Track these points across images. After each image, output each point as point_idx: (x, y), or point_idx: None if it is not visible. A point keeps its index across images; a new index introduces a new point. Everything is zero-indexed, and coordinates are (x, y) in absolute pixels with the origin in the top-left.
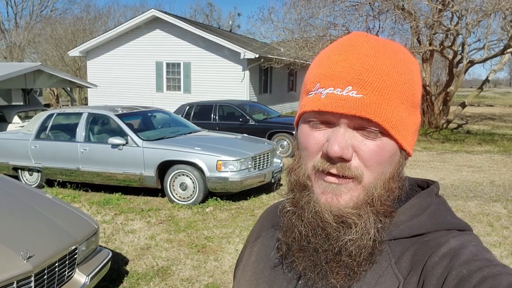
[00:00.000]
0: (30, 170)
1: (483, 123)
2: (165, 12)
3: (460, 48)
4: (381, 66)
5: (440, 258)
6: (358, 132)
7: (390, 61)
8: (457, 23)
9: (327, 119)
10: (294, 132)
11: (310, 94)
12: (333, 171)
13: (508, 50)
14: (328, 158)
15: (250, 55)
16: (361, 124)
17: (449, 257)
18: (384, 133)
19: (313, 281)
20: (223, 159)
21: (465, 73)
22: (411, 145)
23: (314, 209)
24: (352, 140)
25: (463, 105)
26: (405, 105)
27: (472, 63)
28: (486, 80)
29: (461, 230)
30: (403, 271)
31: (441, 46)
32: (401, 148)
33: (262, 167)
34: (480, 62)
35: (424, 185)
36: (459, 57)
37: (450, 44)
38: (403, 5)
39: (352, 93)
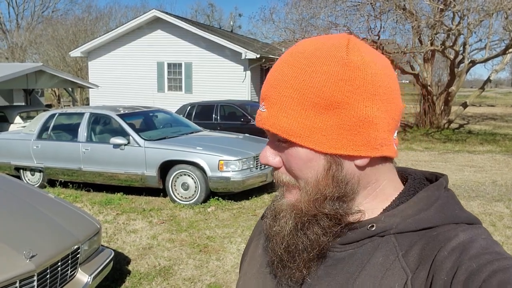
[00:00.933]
0: (32, 170)
1: (484, 123)
2: (166, 13)
3: (461, 48)
4: (281, 78)
5: (449, 253)
6: (280, 144)
7: (290, 69)
8: (459, 23)
9: None
10: None
11: None
12: (274, 177)
13: (510, 50)
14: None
15: (252, 55)
16: (274, 136)
17: (459, 251)
18: (291, 141)
19: (276, 272)
20: (225, 159)
21: (466, 73)
22: (349, 146)
23: (273, 203)
24: (278, 150)
25: (464, 105)
26: (311, 110)
27: (473, 63)
28: (488, 80)
29: (470, 223)
30: (411, 265)
31: (443, 46)
32: (322, 153)
33: (264, 166)
34: (482, 62)
35: (432, 178)
36: (460, 57)
37: (451, 44)
38: (404, 5)
39: (262, 108)
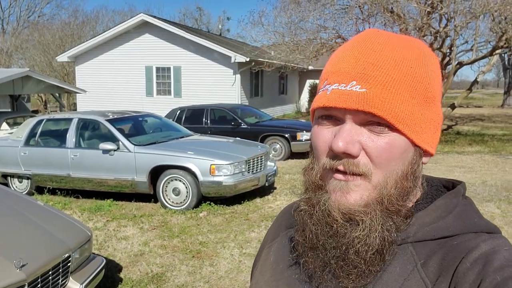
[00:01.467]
0: (20, 177)
1: (472, 124)
2: (154, 16)
3: (448, 50)
4: (387, 60)
5: (471, 264)
6: (365, 128)
7: (398, 54)
8: (446, 25)
9: (334, 115)
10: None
11: (320, 91)
12: (340, 167)
13: (497, 52)
14: (335, 155)
15: (241, 58)
16: (368, 120)
17: (482, 263)
18: (392, 128)
19: (324, 281)
20: (217, 163)
21: (454, 74)
22: (430, 143)
23: (324, 206)
24: (359, 136)
25: (452, 106)
26: (416, 100)
27: (461, 64)
28: (475, 82)
29: (490, 232)
30: (430, 275)
31: (430, 48)
32: (415, 145)
33: (256, 170)
34: (469, 63)
35: (449, 186)
36: (448, 58)
37: (439, 46)
38: (392, 8)
39: (355, 88)
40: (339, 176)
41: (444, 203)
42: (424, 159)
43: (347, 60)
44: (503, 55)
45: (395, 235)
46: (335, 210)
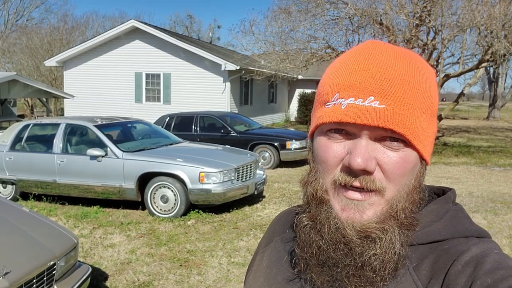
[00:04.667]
0: (4, 182)
1: (458, 135)
2: (145, 23)
3: (435, 62)
4: (402, 76)
5: (463, 267)
6: (380, 144)
7: (409, 70)
8: (434, 38)
9: (347, 130)
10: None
11: (328, 104)
12: (356, 184)
13: (483, 65)
14: (350, 171)
15: (231, 66)
16: (383, 135)
17: (473, 265)
18: (407, 143)
19: None
20: (206, 171)
21: (441, 86)
22: (430, 155)
23: (336, 225)
24: (374, 152)
25: (439, 118)
26: (425, 115)
27: (448, 77)
28: (462, 94)
29: (480, 237)
30: (422, 278)
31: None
32: (422, 158)
33: (245, 178)
34: (456, 76)
35: (440, 193)
36: (435, 71)
37: (427, 58)
38: (381, 20)
39: (374, 104)
40: (353, 195)
41: (436, 208)
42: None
43: (362, 74)
44: (488, 68)
45: (406, 248)
46: (350, 229)
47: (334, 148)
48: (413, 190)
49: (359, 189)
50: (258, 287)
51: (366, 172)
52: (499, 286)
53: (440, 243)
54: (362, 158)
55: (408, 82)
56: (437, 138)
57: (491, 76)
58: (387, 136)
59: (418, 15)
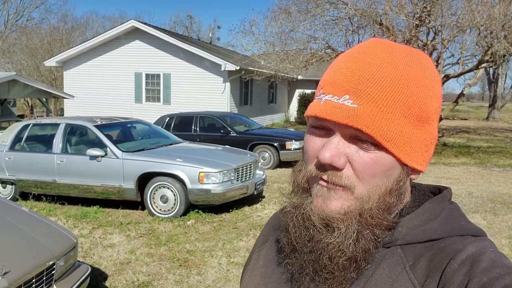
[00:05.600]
0: (4, 182)
1: (458, 136)
2: (145, 23)
3: (435, 63)
4: (383, 77)
5: (459, 265)
6: (353, 142)
7: (397, 72)
8: (433, 38)
9: (325, 125)
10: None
11: (315, 98)
12: (324, 177)
13: (483, 65)
14: (321, 165)
15: (231, 67)
16: (355, 135)
17: (469, 263)
18: (380, 146)
19: (302, 284)
20: (206, 171)
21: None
22: (420, 161)
23: (304, 210)
24: (345, 149)
25: (439, 118)
26: (409, 119)
27: (447, 77)
28: (461, 94)
29: (476, 235)
30: (419, 277)
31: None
32: (402, 163)
33: (245, 178)
34: (456, 76)
35: (436, 191)
36: None
37: None
38: (381, 20)
39: (347, 102)
40: (322, 182)
41: (432, 207)
42: (413, 176)
43: (343, 72)
44: (488, 69)
45: (373, 244)
46: (314, 215)
47: (314, 141)
48: (386, 193)
49: (327, 182)
50: (254, 286)
51: (334, 168)
52: (495, 284)
53: (436, 241)
54: (329, 153)
55: (389, 84)
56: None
57: (491, 76)
58: (359, 136)
59: (418, 15)
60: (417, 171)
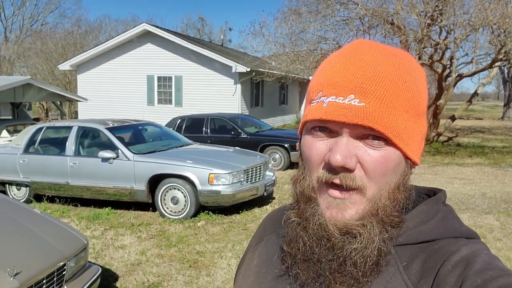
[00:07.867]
0: (18, 184)
1: (472, 136)
2: (157, 26)
3: (448, 62)
4: (384, 74)
5: (453, 267)
6: (361, 142)
7: (393, 68)
8: (446, 37)
9: (329, 128)
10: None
11: (313, 103)
12: (336, 181)
13: (496, 64)
14: (331, 169)
15: (242, 68)
16: (364, 133)
17: (462, 265)
18: (388, 142)
19: None
20: (215, 172)
21: (454, 86)
22: (417, 154)
23: (319, 221)
24: (355, 149)
25: (453, 118)
26: (409, 114)
27: (461, 76)
28: (475, 94)
29: (469, 238)
30: (412, 278)
31: (430, 60)
32: (406, 157)
33: (255, 180)
34: (469, 75)
35: (430, 194)
36: (448, 71)
37: (439, 58)
38: (392, 20)
39: (354, 102)
40: (335, 193)
41: (426, 209)
42: (413, 170)
43: (343, 73)
44: (502, 67)
45: (390, 245)
46: (332, 226)
47: (317, 146)
48: (395, 189)
49: (340, 187)
50: (248, 286)
51: (346, 170)
52: (488, 286)
53: (430, 243)
54: (341, 155)
55: (390, 81)
56: (450, 138)
57: (505, 75)
58: (368, 134)
59: (430, 14)
60: (414, 164)
